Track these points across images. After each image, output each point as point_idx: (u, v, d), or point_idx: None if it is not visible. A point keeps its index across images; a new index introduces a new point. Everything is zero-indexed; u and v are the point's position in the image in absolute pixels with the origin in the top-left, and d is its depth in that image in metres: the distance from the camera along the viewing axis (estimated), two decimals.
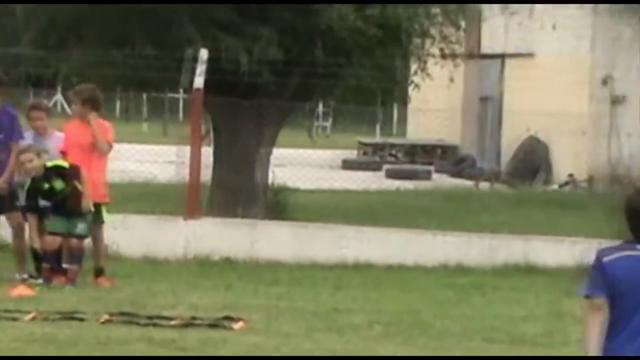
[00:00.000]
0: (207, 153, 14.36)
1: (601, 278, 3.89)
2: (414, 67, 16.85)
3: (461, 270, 12.71)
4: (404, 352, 7.54)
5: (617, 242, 4.06)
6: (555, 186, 22.38)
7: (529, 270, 12.37)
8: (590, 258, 4.28)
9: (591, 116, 23.23)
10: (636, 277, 3.88)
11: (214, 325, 8.68)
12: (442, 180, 23.24)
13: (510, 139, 24.58)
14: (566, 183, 22.70)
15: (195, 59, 13.83)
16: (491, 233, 13.92)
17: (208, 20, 15.29)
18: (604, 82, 23.20)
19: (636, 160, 22.04)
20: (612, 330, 3.90)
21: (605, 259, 3.93)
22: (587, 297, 3.92)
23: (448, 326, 8.82)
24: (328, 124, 36.93)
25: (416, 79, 16.86)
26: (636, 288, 3.87)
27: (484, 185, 22.46)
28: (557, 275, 11.92)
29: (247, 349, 7.93)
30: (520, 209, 17.58)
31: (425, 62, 16.40)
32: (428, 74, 16.26)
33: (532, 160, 23.72)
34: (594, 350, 3.85)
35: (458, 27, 16.87)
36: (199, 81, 13.10)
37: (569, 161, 23.14)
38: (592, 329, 3.87)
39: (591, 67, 23.25)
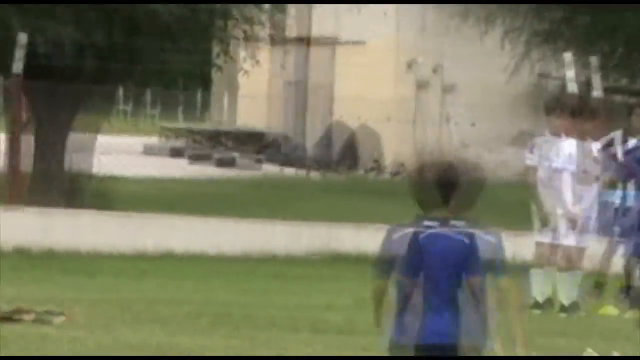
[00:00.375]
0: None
1: (389, 256, 3.84)
2: (215, 49, 16.98)
3: (266, 258, 12.76)
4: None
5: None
6: (362, 171, 23.14)
7: (334, 258, 12.49)
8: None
9: (397, 101, 23.59)
10: (431, 254, 3.74)
11: (37, 320, 8.59)
12: (247, 167, 23.64)
13: (317, 124, 25.28)
14: (372, 169, 23.47)
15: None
16: (296, 220, 13.97)
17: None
18: (409, 66, 23.93)
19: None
20: (411, 305, 3.77)
21: (395, 236, 3.84)
22: (377, 277, 3.87)
23: (252, 315, 8.84)
24: (157, 111, 36.76)
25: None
26: (430, 265, 3.72)
27: (290, 171, 23.04)
28: (360, 263, 11.82)
29: (68, 344, 7.88)
30: (326, 195, 17.95)
31: (228, 44, 16.28)
32: (231, 57, 16.88)
33: (338, 146, 24.48)
34: (384, 330, 3.79)
35: (279, 11, 17.29)
36: (17, 66, 13.21)
37: (376, 146, 23.81)
38: (380, 309, 3.84)
39: (396, 52, 23.82)
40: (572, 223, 10.64)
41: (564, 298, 10.76)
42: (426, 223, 3.75)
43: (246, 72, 16.83)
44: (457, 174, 4.16)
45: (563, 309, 10.64)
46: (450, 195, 3.71)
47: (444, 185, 3.78)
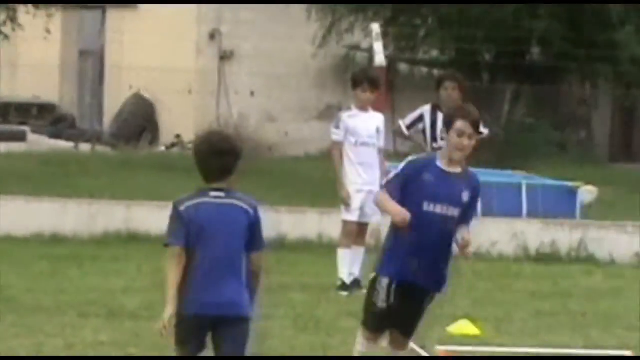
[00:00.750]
0: None
1: (180, 226, 4.17)
2: (1, 16, 16.04)
3: (57, 239, 12.33)
4: None
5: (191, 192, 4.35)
6: (163, 148, 22.40)
7: (131, 239, 12.17)
8: None
9: (199, 72, 23.25)
10: (210, 223, 4.17)
11: None
12: (39, 142, 22.35)
13: (114, 97, 23.94)
14: (173, 145, 22.71)
15: None
16: (91, 199, 13.51)
17: None
18: (211, 36, 23.40)
19: (245, 118, 21.97)
20: (195, 275, 4.18)
21: (182, 208, 4.17)
22: (167, 245, 4.19)
23: (40, 301, 8.54)
24: None
25: (5, 29, 16.25)
26: (211, 234, 4.17)
27: (85, 147, 21.87)
28: (160, 243, 11.43)
29: None
30: (123, 172, 17.38)
31: (14, 10, 15.63)
32: (20, 25, 16.21)
33: (137, 120, 23.33)
34: (173, 296, 4.13)
35: None
36: None
37: (177, 120, 22.82)
38: (173, 276, 4.16)
39: (198, 21, 23.15)
40: None
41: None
42: (211, 194, 4.12)
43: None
44: (234, 146, 4.21)
45: None
46: (229, 166, 4.08)
47: (222, 156, 4.11)
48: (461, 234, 5.16)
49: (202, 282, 4.20)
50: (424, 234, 5.14)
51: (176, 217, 4.19)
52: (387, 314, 5.28)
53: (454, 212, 5.13)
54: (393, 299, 5.22)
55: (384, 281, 5.24)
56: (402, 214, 5.08)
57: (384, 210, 5.48)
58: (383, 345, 5.57)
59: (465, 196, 5.27)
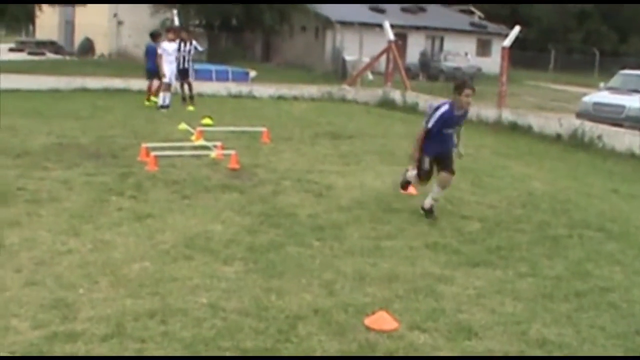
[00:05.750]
0: None
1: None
2: None
3: None
4: None
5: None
6: None
7: None
8: None
9: None
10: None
11: None
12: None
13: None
14: None
15: None
16: None
17: None
18: None
19: None
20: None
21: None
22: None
23: None
24: None
25: None
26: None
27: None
28: None
29: None
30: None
31: None
32: None
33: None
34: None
35: None
36: None
37: None
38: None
39: None
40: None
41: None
42: None
43: None
44: None
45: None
46: None
47: None
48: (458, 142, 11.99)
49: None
50: (445, 140, 11.61)
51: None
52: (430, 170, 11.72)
53: (454, 130, 11.76)
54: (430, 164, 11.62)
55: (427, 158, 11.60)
56: (417, 159, 11.76)
57: (416, 146, 11.77)
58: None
59: (460, 122, 11.80)
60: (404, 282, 8.40)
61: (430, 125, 11.35)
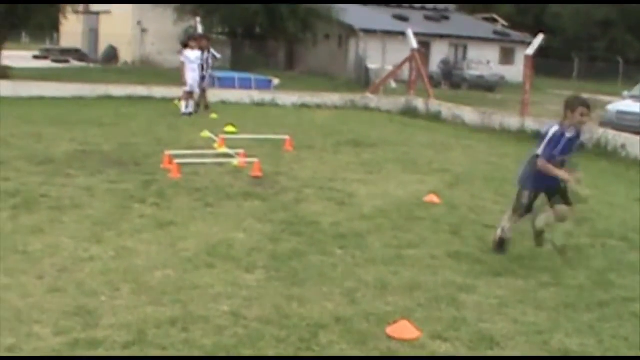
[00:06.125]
0: None
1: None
2: None
3: None
4: None
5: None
6: None
7: None
8: None
9: None
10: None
11: None
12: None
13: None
14: None
15: None
16: None
17: None
18: None
19: None
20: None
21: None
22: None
23: None
24: None
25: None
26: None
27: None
28: None
29: None
30: None
31: None
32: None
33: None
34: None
35: None
36: None
37: None
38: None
39: None
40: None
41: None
42: None
43: None
44: None
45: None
46: None
47: None
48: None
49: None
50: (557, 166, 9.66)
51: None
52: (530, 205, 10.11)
53: (567, 157, 9.80)
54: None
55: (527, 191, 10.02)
56: (567, 176, 9.66)
57: (550, 174, 9.63)
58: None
59: (573, 147, 9.73)
60: (426, 291, 8.38)
61: (541, 151, 9.70)
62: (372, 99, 32.67)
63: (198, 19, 34.34)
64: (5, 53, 37.84)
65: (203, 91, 26.48)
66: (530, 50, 26.35)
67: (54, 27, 53.11)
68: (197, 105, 25.87)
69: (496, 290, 8.65)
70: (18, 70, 36.54)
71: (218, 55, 27.72)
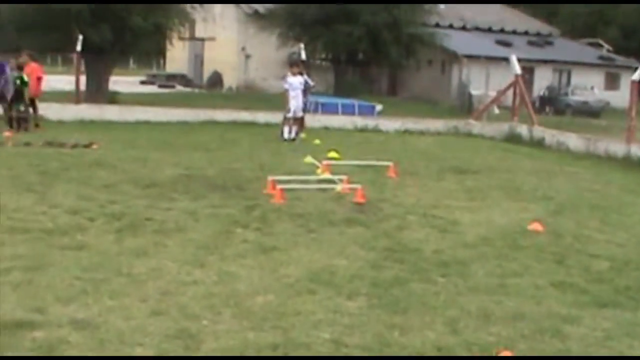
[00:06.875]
0: None
1: None
2: None
3: None
4: None
5: None
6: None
7: None
8: None
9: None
10: None
11: (75, 146, 22.50)
12: (177, 87, 53.55)
13: (209, 72, 60.07)
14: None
15: None
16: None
17: None
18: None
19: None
20: None
21: None
22: None
23: None
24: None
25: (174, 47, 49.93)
26: None
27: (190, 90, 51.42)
28: None
29: (96, 155, 21.88)
30: None
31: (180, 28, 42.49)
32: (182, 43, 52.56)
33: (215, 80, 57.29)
34: None
35: None
36: (79, 46, 31.91)
37: None
38: None
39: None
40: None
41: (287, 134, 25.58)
42: None
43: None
44: None
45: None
46: None
47: None
48: None
49: None
50: None
51: None
52: None
53: None
54: None
55: None
56: None
57: None
58: None
59: None
60: (530, 322, 8.19)
61: None
62: (475, 125, 32.42)
63: (301, 45, 34.52)
64: (113, 78, 38.67)
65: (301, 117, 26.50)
66: (636, 76, 25.82)
67: (160, 53, 54.62)
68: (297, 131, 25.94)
69: (602, 322, 8.41)
70: (125, 95, 37.35)
71: (311, 83, 27.73)
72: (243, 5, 52.92)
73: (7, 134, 22.64)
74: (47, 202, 13.12)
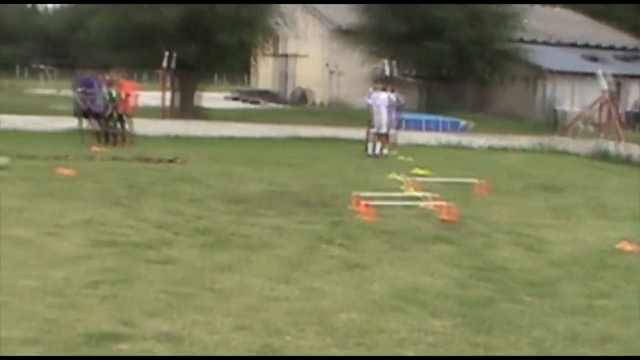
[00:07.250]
0: None
1: None
2: None
3: None
4: None
5: None
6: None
7: None
8: None
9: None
10: None
11: (160, 160, 22.94)
12: (263, 103, 54.45)
13: (293, 88, 59.82)
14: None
15: None
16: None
17: None
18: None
19: None
20: None
21: None
22: None
23: None
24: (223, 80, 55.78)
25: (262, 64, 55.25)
26: None
27: (279, 106, 52.42)
28: None
29: (187, 169, 22.78)
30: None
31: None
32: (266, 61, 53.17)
33: (301, 97, 57.15)
34: None
35: None
36: (170, 64, 35.55)
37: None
38: None
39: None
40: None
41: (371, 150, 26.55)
42: None
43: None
44: None
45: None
46: None
47: None
48: None
49: None
50: None
51: None
52: None
53: None
54: None
55: None
56: None
57: None
58: None
59: None
60: (618, 344, 8.03)
61: None
62: (561, 142, 32.01)
63: (385, 61, 34.50)
64: (198, 94, 39.16)
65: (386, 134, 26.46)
66: None
67: (245, 69, 55.35)
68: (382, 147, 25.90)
69: None
70: (210, 111, 37.69)
71: (402, 100, 27.67)
72: (326, 22, 53.18)
73: (95, 148, 23.04)
74: (134, 216, 13.28)
